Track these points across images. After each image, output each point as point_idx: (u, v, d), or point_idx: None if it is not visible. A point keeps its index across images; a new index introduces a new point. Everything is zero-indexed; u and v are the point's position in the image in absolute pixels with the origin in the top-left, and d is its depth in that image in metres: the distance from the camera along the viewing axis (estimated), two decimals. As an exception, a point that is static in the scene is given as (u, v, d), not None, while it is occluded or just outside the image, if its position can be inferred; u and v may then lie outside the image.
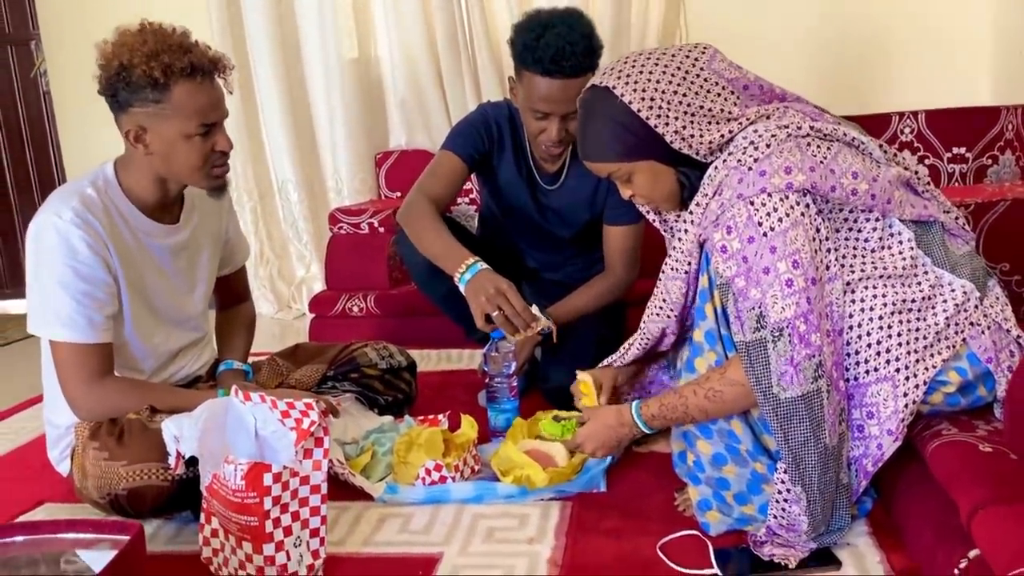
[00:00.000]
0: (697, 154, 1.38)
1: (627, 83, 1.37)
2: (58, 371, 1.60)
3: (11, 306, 4.11)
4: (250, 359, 1.93)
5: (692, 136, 1.37)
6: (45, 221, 1.56)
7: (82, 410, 1.60)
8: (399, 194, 3.42)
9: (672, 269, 1.45)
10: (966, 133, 2.79)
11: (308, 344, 2.15)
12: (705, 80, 1.37)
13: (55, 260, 1.54)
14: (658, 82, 1.36)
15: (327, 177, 3.61)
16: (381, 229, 3.04)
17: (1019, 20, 2.98)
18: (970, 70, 3.11)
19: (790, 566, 1.32)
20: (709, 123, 1.37)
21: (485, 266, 1.82)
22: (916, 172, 1.44)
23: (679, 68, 1.37)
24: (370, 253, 3.01)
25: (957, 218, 1.45)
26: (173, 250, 1.74)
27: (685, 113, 1.36)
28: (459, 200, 3.18)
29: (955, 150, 2.79)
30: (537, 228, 2.17)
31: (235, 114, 1.58)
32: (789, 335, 1.26)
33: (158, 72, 1.51)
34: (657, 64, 1.37)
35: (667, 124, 1.36)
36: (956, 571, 1.18)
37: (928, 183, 1.44)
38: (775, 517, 1.35)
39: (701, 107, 1.36)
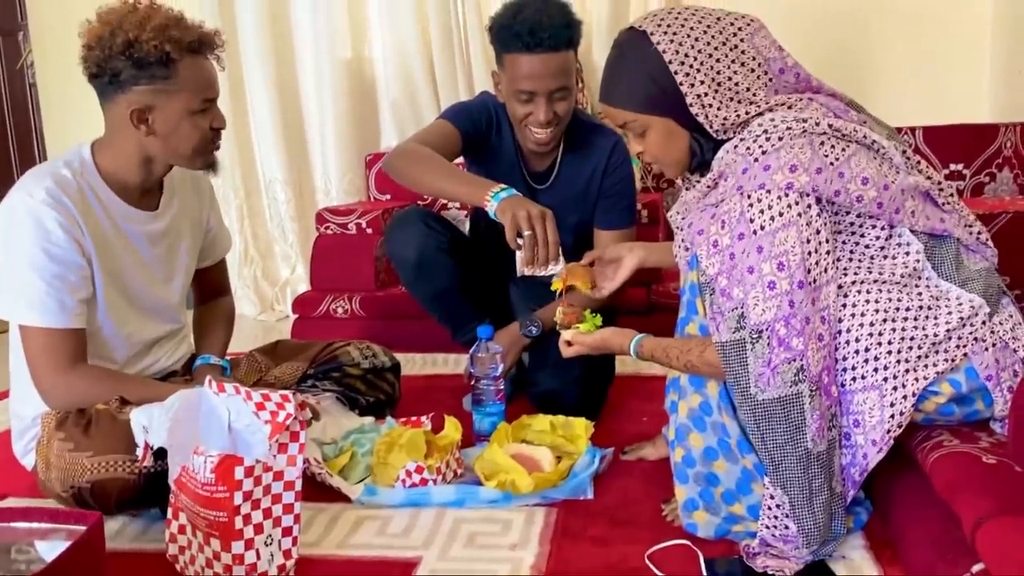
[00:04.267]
0: (711, 127, 1.34)
1: (665, 32, 1.33)
2: (28, 357, 1.53)
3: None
4: (228, 357, 1.87)
5: (710, 107, 1.33)
6: (17, 201, 1.50)
7: (52, 398, 1.54)
8: (388, 196, 3.37)
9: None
10: (964, 150, 2.77)
11: (289, 341, 2.09)
12: (742, 53, 1.34)
13: (26, 241, 1.48)
14: (696, 40, 1.32)
15: (316, 177, 3.56)
16: (369, 230, 2.98)
17: (1018, 39, 2.97)
18: (969, 88, 3.11)
19: (784, 578, 1.27)
20: (731, 99, 1.33)
21: (513, 191, 1.68)
22: (939, 184, 1.40)
23: (720, 32, 1.33)
24: (357, 254, 2.95)
25: (979, 233, 1.41)
26: (151, 237, 1.68)
27: (713, 80, 1.32)
28: (449, 205, 3.13)
29: (952, 166, 2.77)
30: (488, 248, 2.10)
31: (224, 110, 1.55)
32: (768, 338, 1.23)
33: (169, 46, 1.48)
34: (700, 22, 1.34)
35: (692, 85, 1.32)
36: (958, 586, 1.13)
37: (952, 195, 1.40)
38: (767, 527, 1.30)
39: (729, 79, 1.33)
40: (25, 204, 1.49)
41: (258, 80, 3.42)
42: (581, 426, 1.78)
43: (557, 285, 1.63)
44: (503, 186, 1.67)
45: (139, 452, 1.40)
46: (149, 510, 1.53)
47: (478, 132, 2.00)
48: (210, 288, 1.95)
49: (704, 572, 1.31)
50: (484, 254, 2.08)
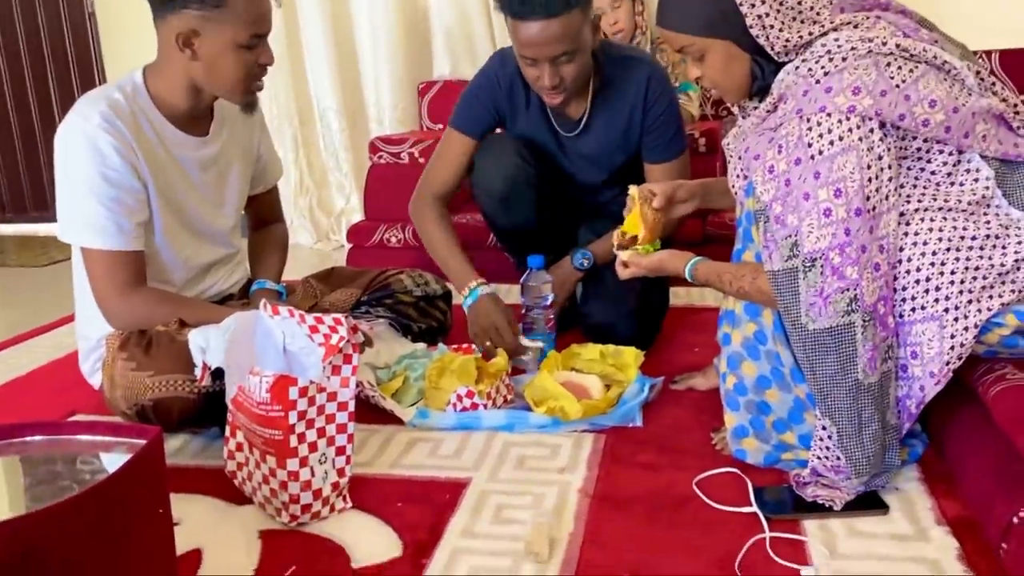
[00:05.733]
0: (772, 49, 1.29)
1: None
2: (91, 280, 1.58)
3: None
4: (284, 283, 1.90)
5: (772, 27, 1.27)
6: (73, 125, 1.52)
7: (114, 318, 1.59)
8: (441, 126, 3.34)
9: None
10: (1043, 74, 2.62)
11: (344, 268, 2.11)
12: None
13: (83, 165, 1.51)
14: None
15: (369, 106, 3.54)
16: (421, 160, 2.96)
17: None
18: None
19: (835, 508, 1.26)
20: (793, 19, 1.27)
21: (487, 291, 1.85)
22: (1016, 106, 1.32)
23: None
24: (410, 183, 2.93)
25: None
26: (202, 163, 1.69)
27: None
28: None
29: (1030, 92, 2.62)
30: (568, 177, 2.04)
31: (277, 39, 1.54)
32: (821, 266, 1.20)
33: None
34: None
35: (752, 6, 1.27)
36: (1015, 519, 1.10)
37: None
38: (818, 457, 1.29)
39: None
40: (81, 128, 1.51)
41: (311, 9, 3.39)
42: (631, 355, 1.77)
43: (630, 227, 1.55)
44: (473, 285, 1.87)
45: (197, 372, 1.44)
46: (209, 428, 1.59)
47: (492, 123, 1.97)
48: (263, 215, 1.97)
49: (753, 499, 1.30)
50: (567, 188, 2.05)
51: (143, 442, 1.01)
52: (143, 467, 0.98)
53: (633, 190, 1.55)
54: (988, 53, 2.65)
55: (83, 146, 1.50)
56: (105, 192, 1.51)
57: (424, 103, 3.39)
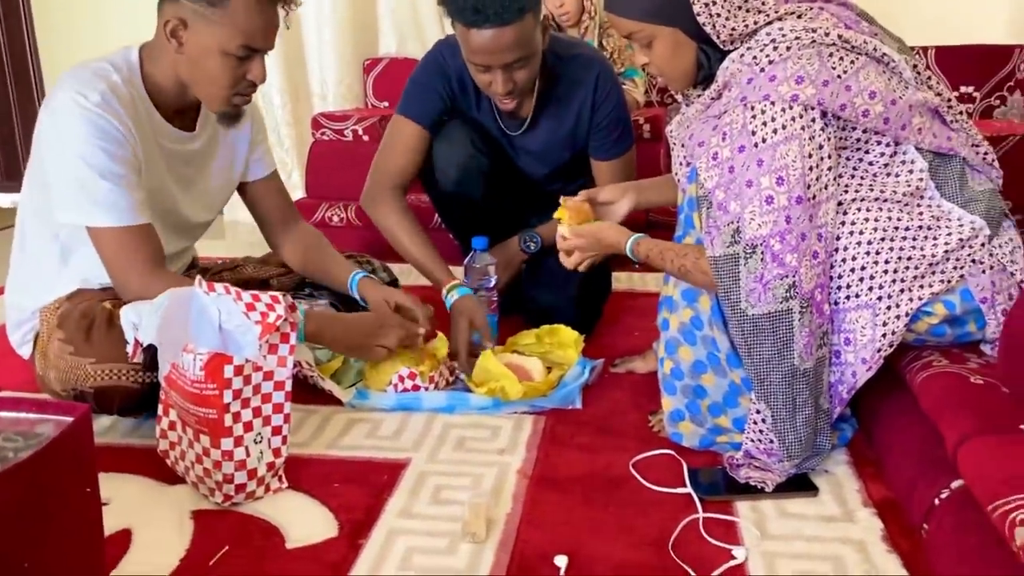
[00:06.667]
0: (718, 37, 1.30)
1: None
2: (106, 262, 1.49)
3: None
4: (221, 260, 1.85)
5: (719, 16, 1.28)
6: (68, 103, 1.43)
7: (137, 298, 1.47)
8: (387, 104, 3.31)
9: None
10: (976, 72, 2.71)
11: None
12: None
13: (83, 142, 1.42)
14: None
15: (312, 82, 3.48)
16: (366, 137, 2.93)
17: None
18: (985, 7, 3.01)
19: (766, 489, 1.29)
20: (739, 7, 1.28)
21: (467, 292, 1.79)
22: (949, 101, 1.36)
23: None
24: (353, 161, 2.90)
25: (986, 154, 1.37)
26: (185, 157, 1.63)
27: None
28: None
29: (963, 88, 2.70)
30: (517, 169, 2.02)
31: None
32: (762, 253, 1.22)
33: None
34: None
35: None
36: (936, 501, 1.15)
37: (960, 113, 1.36)
38: (751, 440, 1.32)
39: None
40: (79, 106, 1.42)
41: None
42: (567, 333, 1.78)
43: (561, 215, 1.57)
44: (455, 284, 1.79)
45: (129, 349, 1.40)
46: (152, 415, 1.54)
47: (443, 112, 1.91)
48: (276, 211, 1.84)
49: (688, 481, 1.32)
50: (515, 179, 2.04)
51: (70, 419, 0.98)
52: (70, 445, 0.95)
53: (573, 201, 1.58)
54: (924, 49, 2.72)
55: (82, 124, 1.42)
56: (109, 168, 1.43)
57: (369, 80, 3.34)
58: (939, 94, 1.35)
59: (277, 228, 1.85)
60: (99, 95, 1.43)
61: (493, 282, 1.86)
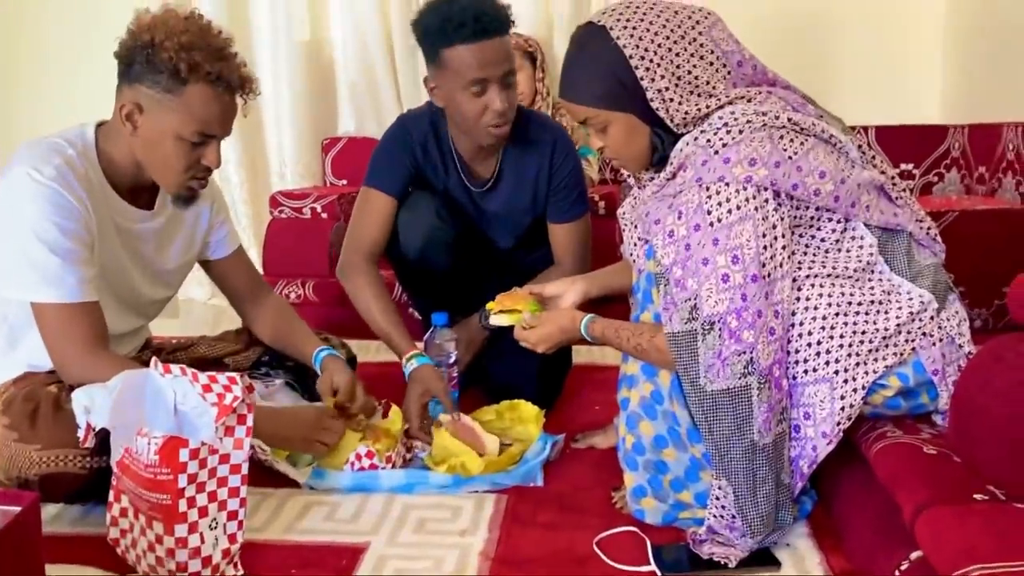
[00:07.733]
0: (671, 121, 1.34)
1: (624, 27, 1.32)
2: (47, 339, 1.46)
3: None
4: (175, 340, 1.82)
5: (671, 101, 1.32)
6: (20, 178, 1.43)
7: (76, 380, 1.44)
8: (345, 182, 3.33)
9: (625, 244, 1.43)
10: (914, 150, 2.82)
11: (245, 327, 2.04)
12: (701, 46, 1.33)
13: (34, 216, 1.41)
14: (656, 34, 1.31)
15: (271, 160, 3.49)
16: (324, 215, 2.94)
17: (970, 40, 3.03)
18: (920, 89, 3.17)
19: (730, 565, 1.29)
20: (691, 92, 1.33)
21: (427, 361, 1.81)
22: (893, 178, 1.42)
23: (679, 26, 1.33)
24: (311, 239, 2.91)
25: (929, 229, 1.43)
26: (142, 236, 1.62)
27: (673, 75, 1.32)
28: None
29: (903, 166, 2.81)
30: (481, 233, 2.06)
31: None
32: (720, 330, 1.24)
33: (183, 65, 1.41)
34: (659, 16, 1.33)
35: (652, 80, 1.31)
36: (897, 572, 1.15)
37: (904, 190, 1.42)
38: (714, 516, 1.32)
39: (689, 72, 1.32)
40: (34, 180, 1.42)
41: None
42: (528, 408, 1.78)
43: (493, 307, 1.62)
44: (416, 354, 1.81)
45: (80, 434, 1.36)
46: (100, 502, 1.49)
47: (409, 180, 1.95)
48: (244, 286, 1.85)
49: (652, 558, 1.31)
50: (480, 247, 2.06)
51: (17, 509, 0.95)
52: (16, 536, 0.92)
53: (523, 291, 1.65)
54: (865, 128, 2.83)
55: (35, 197, 1.41)
56: (60, 243, 1.42)
57: (328, 159, 3.37)
58: (883, 172, 1.41)
59: (247, 302, 1.86)
60: (54, 169, 1.43)
61: (454, 358, 1.86)
